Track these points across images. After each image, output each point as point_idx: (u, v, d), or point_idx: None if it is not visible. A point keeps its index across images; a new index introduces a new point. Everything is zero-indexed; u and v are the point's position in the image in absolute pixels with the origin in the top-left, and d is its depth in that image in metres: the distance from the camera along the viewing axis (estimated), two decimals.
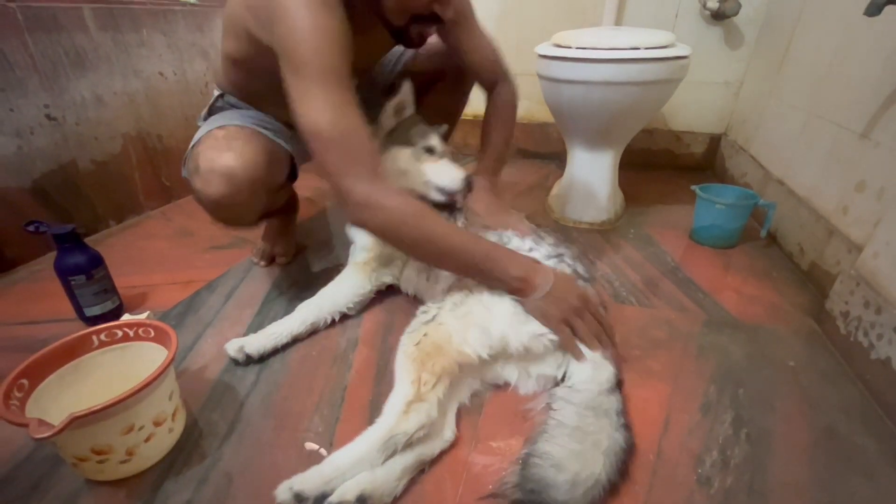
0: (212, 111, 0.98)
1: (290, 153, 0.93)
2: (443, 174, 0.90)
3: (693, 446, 0.63)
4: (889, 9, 0.73)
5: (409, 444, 0.57)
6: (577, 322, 0.69)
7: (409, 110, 0.94)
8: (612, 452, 0.57)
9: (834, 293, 0.85)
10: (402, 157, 0.90)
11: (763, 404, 0.70)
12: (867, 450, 0.63)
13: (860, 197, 0.91)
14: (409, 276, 0.94)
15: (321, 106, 0.64)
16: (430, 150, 0.92)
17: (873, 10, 0.72)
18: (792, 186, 1.18)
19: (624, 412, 0.63)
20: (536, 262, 0.72)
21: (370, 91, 1.14)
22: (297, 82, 0.65)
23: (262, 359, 0.79)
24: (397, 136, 0.91)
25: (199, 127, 1.02)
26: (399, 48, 1.06)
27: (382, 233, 0.70)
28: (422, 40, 0.81)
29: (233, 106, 0.96)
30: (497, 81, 1.00)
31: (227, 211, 0.82)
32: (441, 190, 0.89)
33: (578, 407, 0.62)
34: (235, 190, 0.78)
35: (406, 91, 0.91)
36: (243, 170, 0.78)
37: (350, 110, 0.66)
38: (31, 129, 1.09)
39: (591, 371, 0.68)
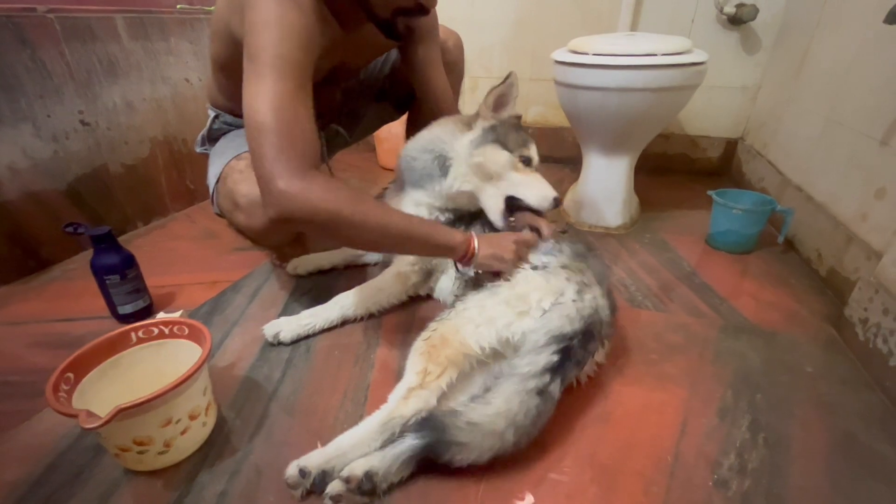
0: (211, 136, 1.00)
1: None
2: (534, 190, 0.87)
3: (710, 450, 0.64)
4: None
5: (405, 429, 0.60)
6: (521, 251, 0.79)
7: (510, 109, 0.89)
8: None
9: (853, 300, 0.85)
10: (500, 159, 0.85)
11: (781, 410, 0.71)
12: (887, 457, 0.63)
13: (880, 204, 0.90)
14: (445, 286, 0.96)
15: (267, 92, 0.65)
16: (526, 162, 0.88)
17: (892, 19, 0.72)
18: (810, 192, 1.18)
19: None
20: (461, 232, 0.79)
21: (360, 95, 1.17)
22: (250, 68, 0.67)
23: (294, 342, 0.85)
24: (495, 136, 0.86)
25: (199, 153, 1.05)
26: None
27: (310, 222, 0.66)
28: (409, 32, 0.84)
29: (229, 125, 0.97)
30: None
31: (274, 235, 0.86)
32: (530, 207, 0.87)
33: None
34: None
35: (511, 82, 0.86)
36: None
37: (297, 102, 0.67)
38: (66, 135, 1.14)
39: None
